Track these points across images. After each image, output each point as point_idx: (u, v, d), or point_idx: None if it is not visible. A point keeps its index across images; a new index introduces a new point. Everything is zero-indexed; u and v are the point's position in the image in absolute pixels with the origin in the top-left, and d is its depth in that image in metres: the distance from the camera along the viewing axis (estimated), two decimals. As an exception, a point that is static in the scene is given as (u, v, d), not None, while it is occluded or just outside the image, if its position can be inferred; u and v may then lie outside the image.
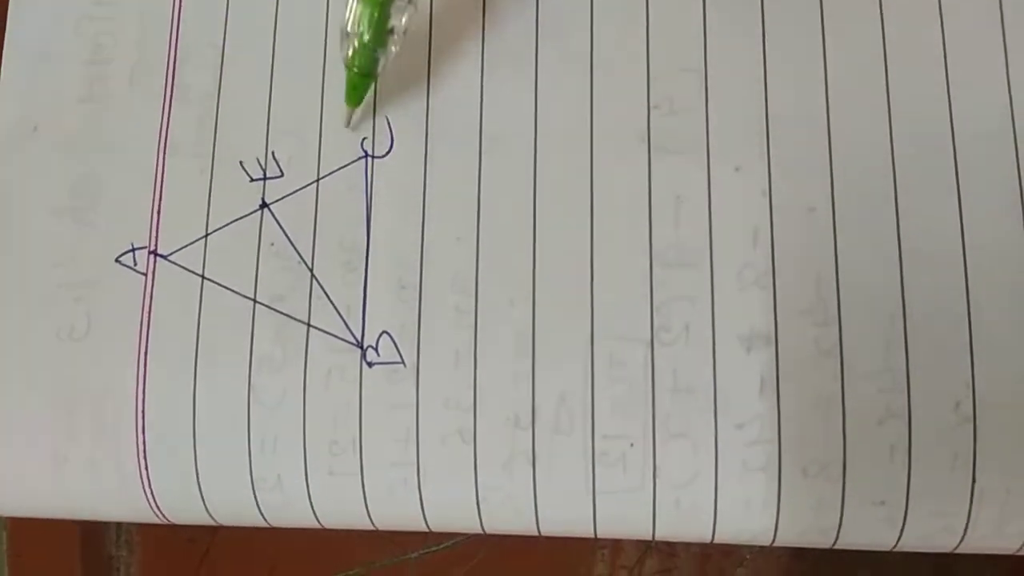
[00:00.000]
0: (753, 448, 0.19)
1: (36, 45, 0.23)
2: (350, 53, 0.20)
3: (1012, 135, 0.20)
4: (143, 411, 0.20)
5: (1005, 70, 0.20)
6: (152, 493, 0.21)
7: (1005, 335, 0.19)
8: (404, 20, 0.20)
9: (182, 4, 0.22)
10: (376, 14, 0.19)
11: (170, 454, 0.20)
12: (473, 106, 0.21)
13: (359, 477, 0.20)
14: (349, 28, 0.20)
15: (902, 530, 0.19)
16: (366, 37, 0.19)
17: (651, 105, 0.21)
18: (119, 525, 0.24)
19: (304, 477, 0.20)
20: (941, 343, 0.19)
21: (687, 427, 0.19)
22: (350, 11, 0.19)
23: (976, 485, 0.19)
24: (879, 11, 0.21)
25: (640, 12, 0.21)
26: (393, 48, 0.20)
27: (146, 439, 0.20)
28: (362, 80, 0.20)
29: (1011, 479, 0.18)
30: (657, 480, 0.19)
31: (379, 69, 0.20)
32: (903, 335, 0.19)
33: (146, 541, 0.24)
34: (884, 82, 0.20)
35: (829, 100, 0.20)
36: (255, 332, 0.20)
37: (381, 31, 0.20)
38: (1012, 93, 0.20)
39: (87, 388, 0.21)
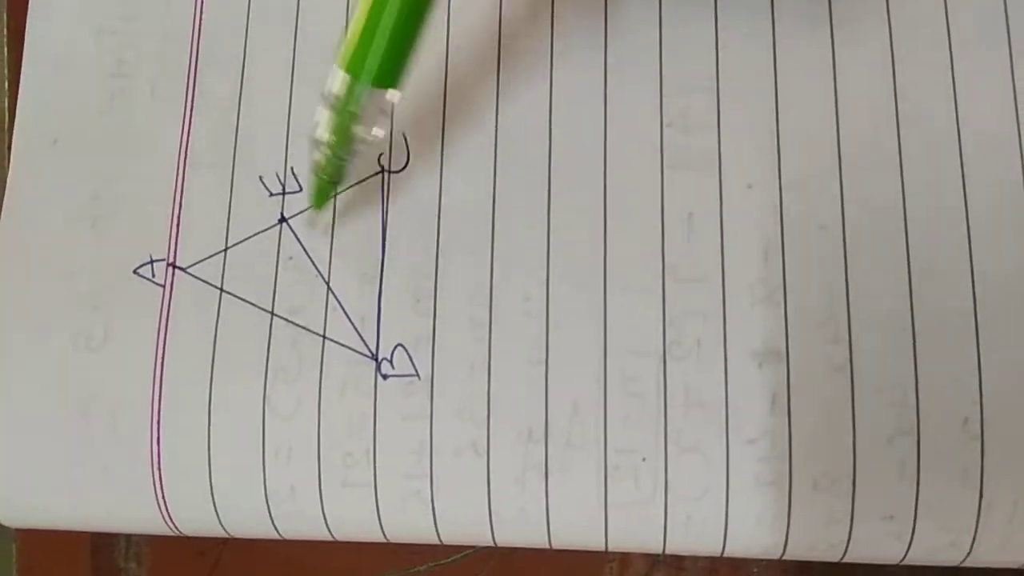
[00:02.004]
0: (764, 463, 0.19)
1: (57, 58, 0.23)
2: (319, 161, 0.19)
3: (1020, 153, 0.20)
4: (158, 422, 0.21)
5: (1012, 88, 0.21)
6: (165, 504, 0.21)
7: (1013, 353, 0.19)
8: (382, 131, 0.19)
9: (202, 19, 0.23)
10: (349, 123, 0.19)
11: (184, 465, 0.20)
12: (488, 122, 0.21)
13: (372, 489, 0.20)
14: (319, 136, 0.19)
15: (910, 544, 0.19)
16: (336, 147, 0.19)
17: (664, 123, 0.21)
18: (128, 538, 0.24)
19: (318, 488, 0.20)
20: (950, 360, 0.19)
21: (698, 442, 0.19)
22: (321, 119, 0.19)
23: (983, 501, 0.19)
24: (888, 30, 0.21)
25: (653, 32, 0.21)
26: (363, 157, 0.20)
27: (160, 449, 0.21)
28: (330, 186, 0.20)
29: (1018, 495, 0.19)
30: (668, 494, 0.19)
31: (345, 175, 0.20)
32: (912, 352, 0.19)
33: (155, 553, 0.24)
34: (893, 100, 0.21)
35: (839, 118, 0.21)
36: (271, 344, 0.21)
37: (351, 140, 0.19)
38: (1019, 111, 0.20)
39: (102, 397, 0.21)
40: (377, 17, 0.18)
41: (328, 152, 0.19)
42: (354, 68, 0.18)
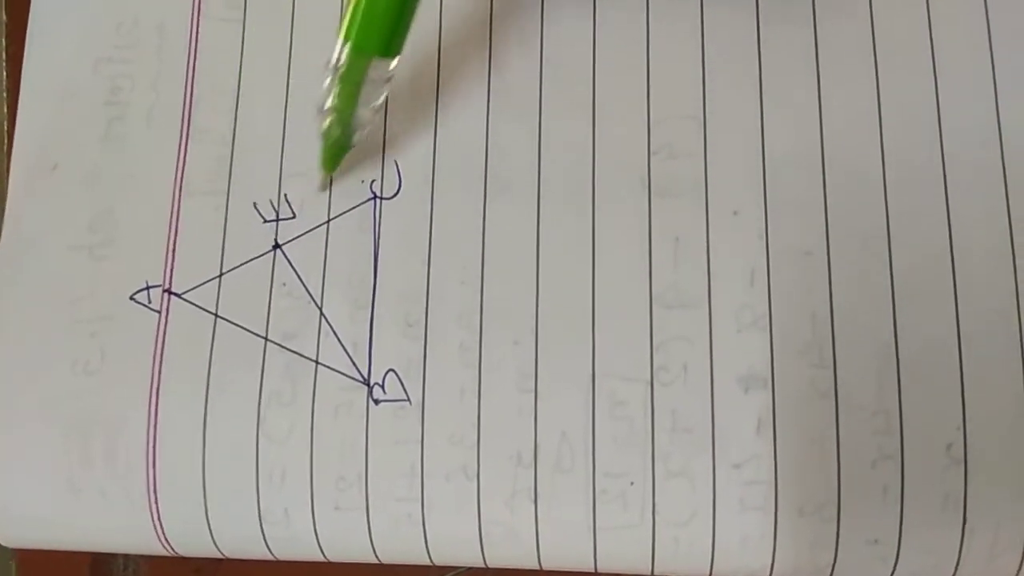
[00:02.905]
0: (750, 487, 0.19)
1: (55, 85, 0.23)
2: (326, 126, 0.20)
3: (1003, 180, 0.21)
4: (154, 445, 0.21)
5: (995, 114, 0.21)
6: (161, 525, 0.21)
7: (996, 379, 0.19)
8: (382, 98, 0.20)
9: (197, 48, 0.23)
10: (353, 92, 0.20)
11: (180, 487, 0.21)
12: (478, 150, 0.22)
13: (364, 512, 0.20)
14: (327, 105, 0.20)
15: (894, 567, 0.19)
16: (343, 115, 0.20)
17: (651, 150, 0.21)
18: (126, 556, 0.24)
19: (311, 511, 0.20)
20: (933, 386, 0.20)
21: (686, 466, 0.20)
22: (327, 89, 0.20)
23: (967, 525, 0.19)
24: (873, 58, 0.21)
25: (640, 60, 0.22)
26: (368, 123, 0.21)
27: (156, 472, 0.21)
28: (338, 151, 0.21)
29: (1001, 519, 0.19)
30: (656, 518, 0.20)
31: (354, 142, 0.21)
32: (896, 378, 0.20)
33: (153, 571, 0.24)
34: (878, 128, 0.21)
35: (824, 146, 0.21)
36: (265, 369, 0.21)
37: (355, 108, 0.20)
38: (1003, 137, 0.21)
39: (100, 421, 0.21)
40: None
41: (334, 119, 0.20)
42: (356, 38, 0.19)
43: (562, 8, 0.22)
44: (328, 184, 0.22)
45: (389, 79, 0.20)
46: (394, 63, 0.20)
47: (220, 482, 0.21)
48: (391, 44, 0.19)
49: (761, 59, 0.21)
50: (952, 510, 0.19)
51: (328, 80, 0.20)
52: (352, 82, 0.19)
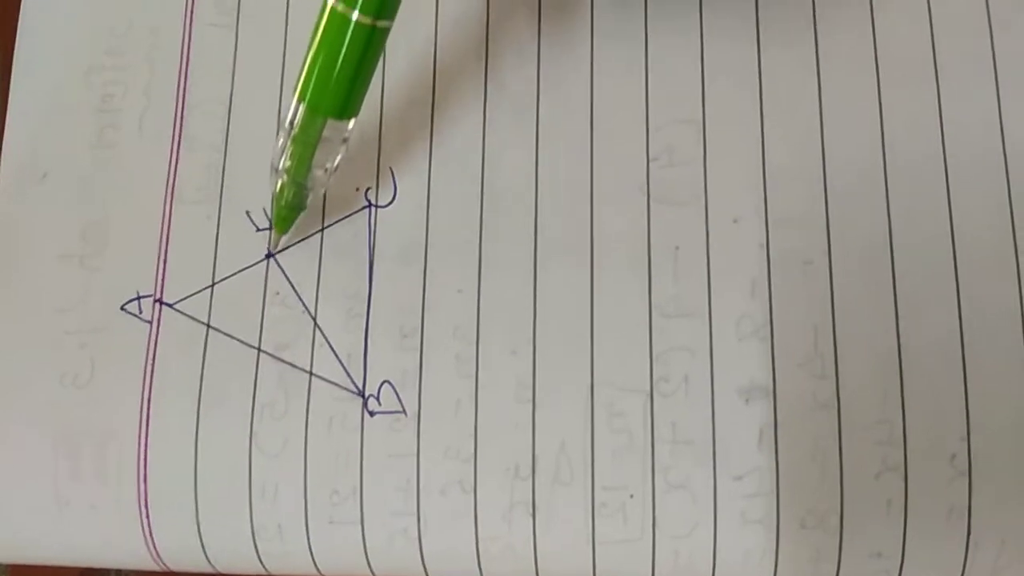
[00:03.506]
0: (752, 500, 0.19)
1: (45, 93, 0.23)
2: (278, 187, 0.20)
3: (1006, 188, 0.20)
4: (145, 458, 0.21)
5: (998, 123, 0.21)
6: (152, 539, 0.21)
7: (1000, 389, 0.19)
8: (337, 159, 0.20)
9: (189, 56, 0.23)
10: (306, 154, 0.19)
11: (171, 501, 0.20)
12: (475, 158, 0.21)
13: (359, 526, 0.20)
14: (280, 166, 0.19)
15: (899, 581, 0.19)
16: (296, 175, 0.19)
17: (650, 157, 0.21)
18: (119, 571, 0.24)
19: (304, 526, 0.20)
20: (937, 397, 0.19)
21: (686, 479, 0.19)
22: (280, 148, 0.19)
23: (971, 537, 0.19)
24: (875, 65, 0.21)
25: (639, 65, 0.21)
26: (322, 184, 0.20)
27: (148, 486, 0.21)
28: (291, 213, 0.20)
29: (1006, 532, 0.19)
30: (656, 531, 0.19)
31: (307, 202, 0.20)
32: (899, 388, 0.19)
33: (145, 585, 0.24)
34: (880, 136, 0.21)
35: (825, 153, 0.21)
36: (258, 380, 0.21)
37: (309, 169, 0.19)
38: (1006, 146, 0.20)
39: (89, 434, 0.21)
40: (331, 49, 0.18)
41: (287, 179, 0.20)
42: (310, 100, 0.18)
43: (559, 15, 0.22)
44: (278, 244, 0.21)
45: (345, 139, 0.19)
46: (351, 124, 0.19)
47: (213, 496, 0.20)
48: (347, 106, 0.19)
49: (761, 65, 0.21)
50: (956, 522, 0.19)
51: (282, 140, 0.19)
52: (306, 143, 0.19)
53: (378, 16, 0.18)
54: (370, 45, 0.18)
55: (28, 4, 0.24)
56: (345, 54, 0.18)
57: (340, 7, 0.17)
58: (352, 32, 0.18)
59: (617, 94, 0.21)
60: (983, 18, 0.21)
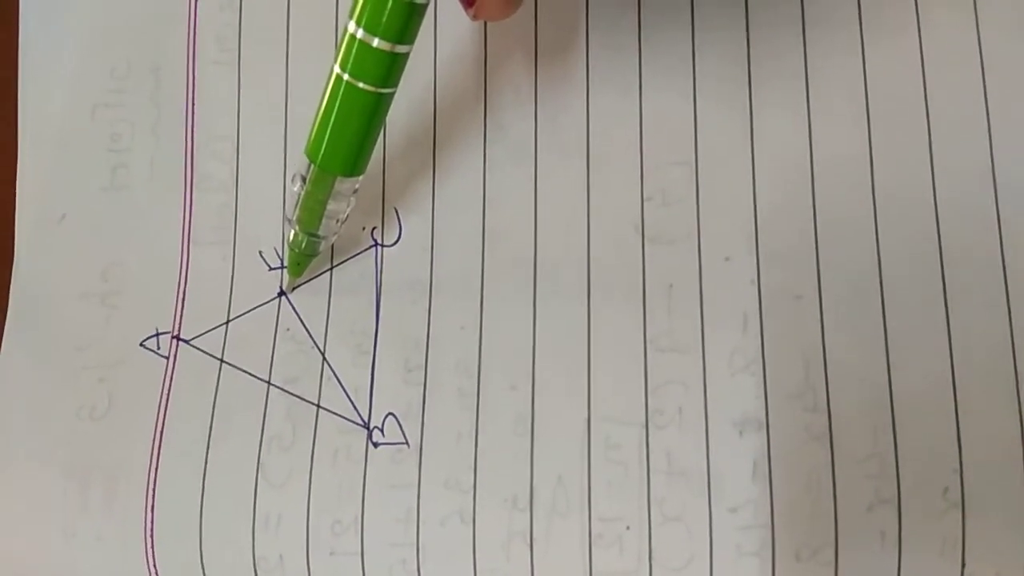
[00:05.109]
0: (747, 532, 0.19)
1: (53, 133, 0.24)
2: (292, 237, 0.21)
3: (996, 223, 0.21)
4: (154, 490, 0.21)
5: (990, 161, 0.21)
6: (156, 570, 0.21)
7: (992, 421, 0.19)
8: (347, 211, 0.21)
9: (195, 91, 0.24)
10: (318, 208, 0.20)
11: (176, 531, 0.21)
12: (476, 198, 0.22)
13: (359, 557, 0.20)
14: (293, 217, 0.20)
15: (896, 615, 0.19)
16: (308, 226, 0.20)
17: (644, 197, 0.22)
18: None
19: (305, 557, 0.20)
20: (929, 429, 0.19)
21: (681, 511, 0.20)
22: (293, 201, 0.20)
23: (966, 569, 0.19)
24: (865, 105, 0.22)
25: (633, 108, 0.22)
26: (334, 232, 0.21)
27: (154, 517, 0.21)
28: (305, 259, 0.21)
29: (1000, 563, 0.19)
30: (653, 563, 0.20)
31: (320, 249, 0.21)
32: (891, 421, 0.20)
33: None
34: (870, 173, 0.21)
35: (815, 191, 0.21)
36: (267, 413, 0.21)
37: (320, 220, 0.20)
38: (997, 182, 0.21)
39: (101, 465, 0.22)
40: (339, 113, 0.19)
41: (300, 228, 0.20)
42: (321, 160, 0.19)
43: (555, 57, 0.23)
44: (293, 285, 0.22)
45: (355, 190, 0.20)
46: (360, 178, 0.20)
47: (217, 527, 0.21)
48: (356, 165, 0.20)
49: (752, 107, 0.22)
50: (950, 554, 0.19)
51: (295, 192, 0.20)
52: (317, 199, 0.20)
53: (383, 85, 0.18)
54: (376, 110, 0.19)
55: (25, 42, 0.24)
56: (353, 118, 0.19)
57: (347, 77, 0.18)
58: (359, 99, 0.18)
59: (612, 136, 0.22)
60: (975, 57, 0.22)
